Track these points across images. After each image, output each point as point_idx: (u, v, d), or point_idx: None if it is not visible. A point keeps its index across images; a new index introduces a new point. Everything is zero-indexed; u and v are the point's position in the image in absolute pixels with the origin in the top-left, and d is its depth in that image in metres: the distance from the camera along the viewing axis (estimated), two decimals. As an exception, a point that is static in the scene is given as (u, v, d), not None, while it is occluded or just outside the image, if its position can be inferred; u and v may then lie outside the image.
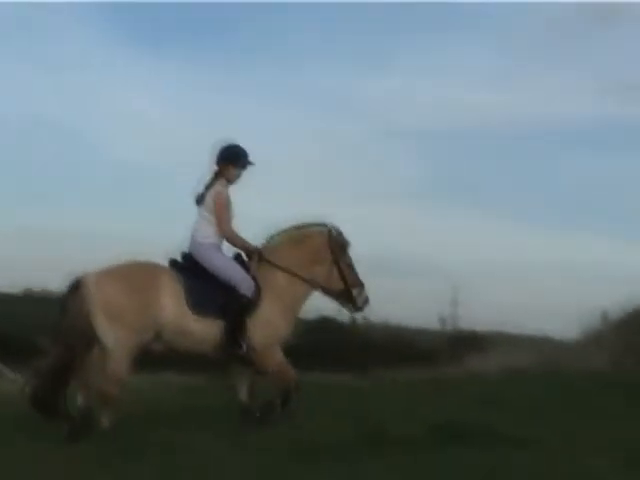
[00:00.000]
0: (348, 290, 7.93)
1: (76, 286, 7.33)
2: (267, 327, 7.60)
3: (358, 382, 13.64)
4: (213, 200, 7.69)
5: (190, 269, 7.62)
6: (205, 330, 7.44)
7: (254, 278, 7.66)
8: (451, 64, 46.37)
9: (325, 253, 7.89)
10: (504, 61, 47.64)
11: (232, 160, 7.82)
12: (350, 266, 7.98)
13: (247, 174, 7.93)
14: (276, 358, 7.69)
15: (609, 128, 46.94)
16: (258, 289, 7.62)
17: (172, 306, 7.35)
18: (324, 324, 20.43)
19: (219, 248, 7.78)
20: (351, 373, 14.69)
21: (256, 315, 7.57)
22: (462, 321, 20.60)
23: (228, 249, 7.88)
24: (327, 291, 8.01)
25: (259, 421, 7.57)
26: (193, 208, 7.83)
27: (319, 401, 8.33)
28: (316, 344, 17.38)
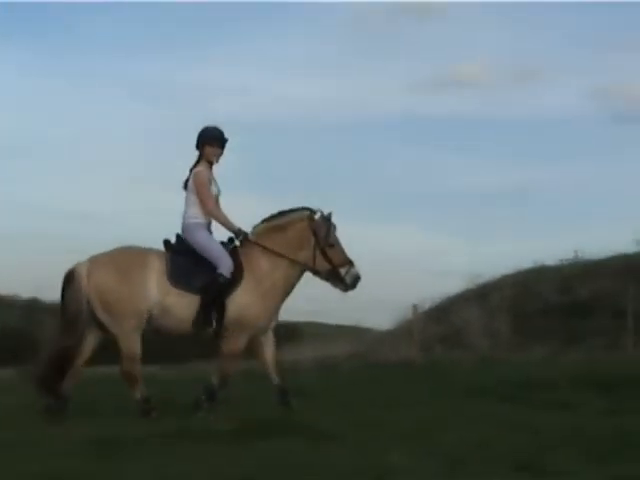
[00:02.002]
0: (335, 270, 8.05)
1: (70, 278, 7.74)
2: (242, 311, 7.82)
3: (166, 373, 13.38)
4: (193, 180, 8.03)
5: (180, 249, 7.94)
6: (185, 307, 7.71)
7: (240, 263, 7.87)
8: (268, 57, 46.76)
9: (308, 237, 8.08)
10: (321, 56, 48.53)
11: (207, 141, 8.10)
12: (335, 246, 8.12)
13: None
14: (236, 346, 7.94)
15: (421, 122, 48.96)
16: (240, 271, 7.84)
17: (157, 285, 7.66)
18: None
19: (204, 227, 8.05)
20: (159, 364, 14.42)
21: (234, 297, 7.79)
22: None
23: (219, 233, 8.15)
24: (315, 273, 8.17)
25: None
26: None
27: (124, 394, 8.02)
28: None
